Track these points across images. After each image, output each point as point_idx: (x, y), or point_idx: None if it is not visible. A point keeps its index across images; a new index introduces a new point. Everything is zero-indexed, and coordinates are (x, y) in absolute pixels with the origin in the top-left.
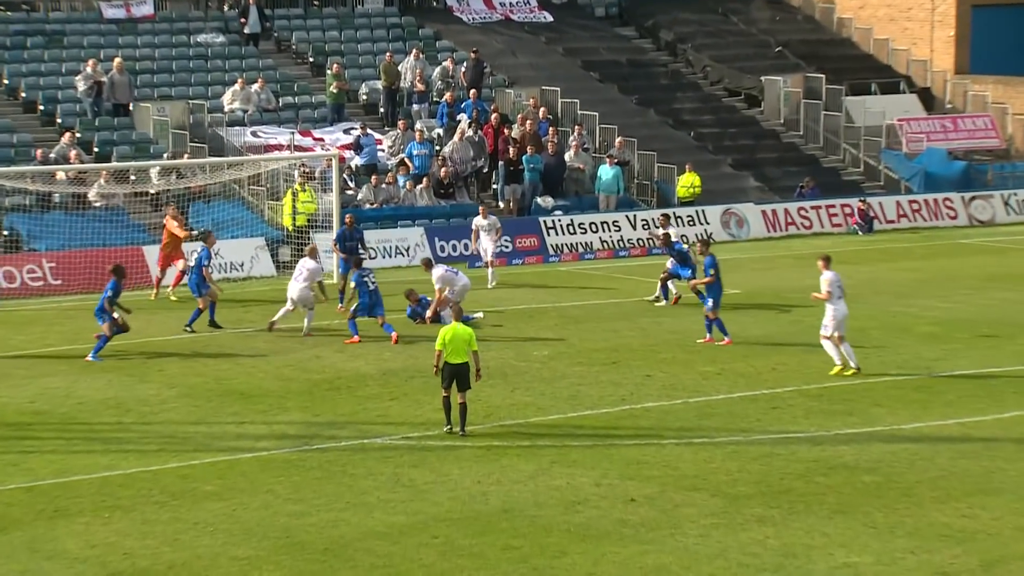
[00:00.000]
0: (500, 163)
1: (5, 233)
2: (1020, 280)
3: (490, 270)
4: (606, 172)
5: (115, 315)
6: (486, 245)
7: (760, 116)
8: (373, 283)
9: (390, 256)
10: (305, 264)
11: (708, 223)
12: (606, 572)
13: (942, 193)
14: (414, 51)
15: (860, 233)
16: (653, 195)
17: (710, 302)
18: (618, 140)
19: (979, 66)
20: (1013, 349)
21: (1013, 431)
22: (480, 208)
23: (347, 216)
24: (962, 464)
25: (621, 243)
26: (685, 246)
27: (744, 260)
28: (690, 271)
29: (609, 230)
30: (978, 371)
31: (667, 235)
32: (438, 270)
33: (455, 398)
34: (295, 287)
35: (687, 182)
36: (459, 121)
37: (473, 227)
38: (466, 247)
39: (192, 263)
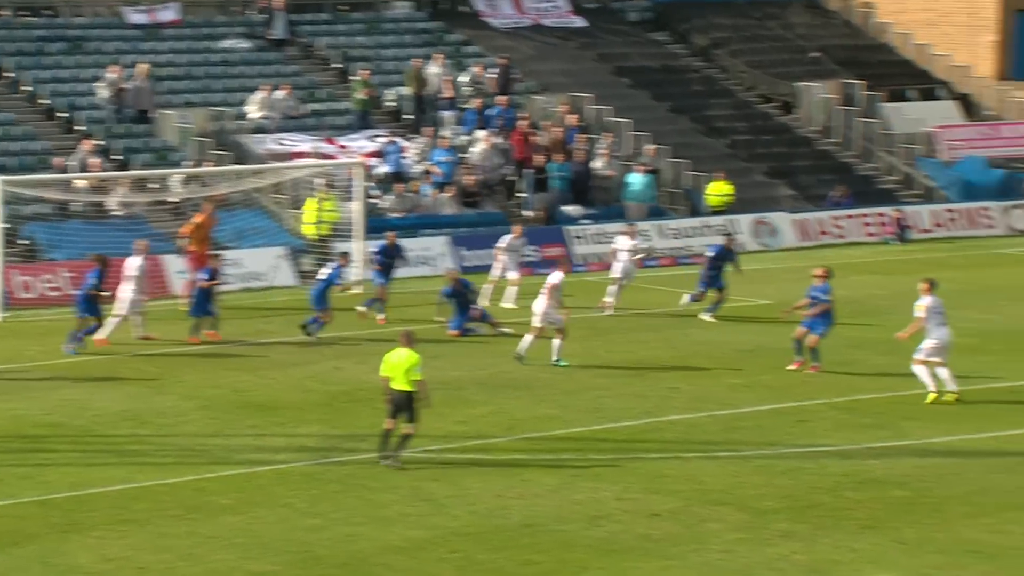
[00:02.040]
0: (527, 171)
1: (23, 242)
2: None
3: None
4: (636, 180)
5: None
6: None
7: (795, 123)
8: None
9: (414, 266)
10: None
11: (739, 232)
12: None
13: (980, 202)
14: (442, 57)
15: (895, 243)
16: (684, 204)
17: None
18: (649, 147)
19: (1022, 72)
20: None
21: None
22: (515, 228)
23: (389, 233)
24: (994, 479)
25: (651, 252)
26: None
27: (775, 270)
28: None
29: (637, 239)
30: (1014, 384)
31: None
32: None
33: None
34: None
35: (717, 190)
36: (487, 128)
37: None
38: (492, 256)
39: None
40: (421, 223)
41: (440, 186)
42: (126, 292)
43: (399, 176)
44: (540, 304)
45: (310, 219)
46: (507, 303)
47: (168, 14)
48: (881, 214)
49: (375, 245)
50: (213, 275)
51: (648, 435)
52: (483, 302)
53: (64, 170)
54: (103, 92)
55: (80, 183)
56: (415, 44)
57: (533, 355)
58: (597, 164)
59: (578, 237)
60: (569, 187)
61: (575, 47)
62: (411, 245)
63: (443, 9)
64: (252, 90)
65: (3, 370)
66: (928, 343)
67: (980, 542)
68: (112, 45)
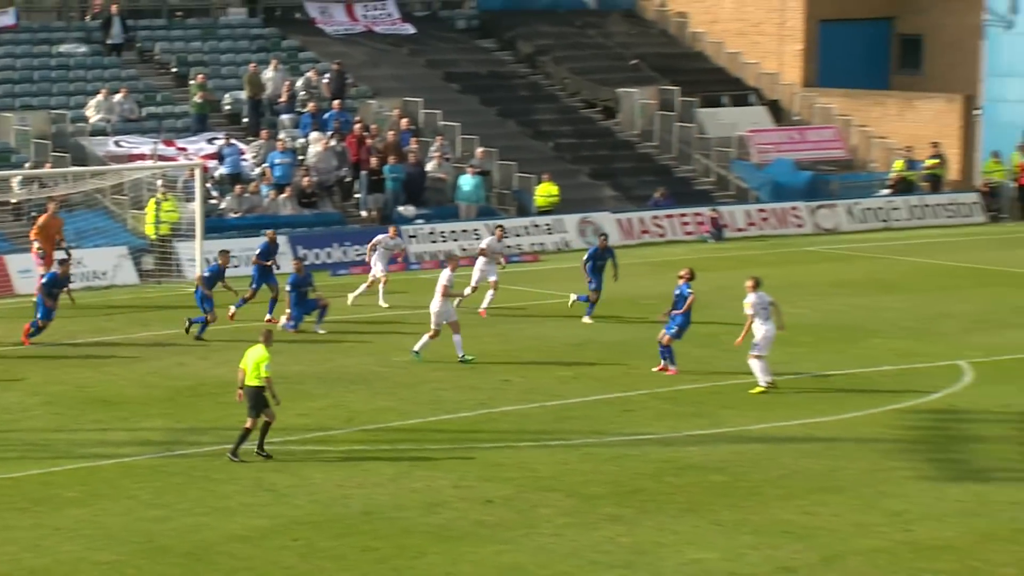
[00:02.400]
0: (363, 172)
1: None
2: (862, 286)
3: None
4: (467, 182)
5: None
6: (484, 268)
7: (616, 127)
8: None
9: (250, 264)
10: None
11: (565, 231)
12: (464, 572)
13: (789, 202)
14: (276, 62)
15: (711, 241)
16: (513, 204)
17: (675, 329)
18: (479, 150)
19: (826, 79)
20: (855, 352)
21: (853, 431)
22: (497, 230)
23: (268, 231)
24: (804, 463)
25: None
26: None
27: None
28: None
29: (469, 238)
30: (821, 373)
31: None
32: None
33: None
34: None
35: (545, 191)
36: (322, 131)
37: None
38: (329, 255)
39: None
40: (260, 223)
41: (278, 187)
42: None
43: (238, 177)
44: (435, 304)
45: (150, 219)
46: (382, 302)
47: (5, 19)
48: (698, 214)
49: (258, 244)
50: (55, 278)
51: (482, 425)
52: (351, 298)
53: None
54: None
55: None
56: (251, 50)
57: (369, 351)
58: (430, 166)
59: (412, 236)
60: (403, 188)
61: (406, 53)
62: (251, 245)
63: (277, 16)
64: (91, 94)
65: None
66: (759, 337)
67: (792, 522)
68: None
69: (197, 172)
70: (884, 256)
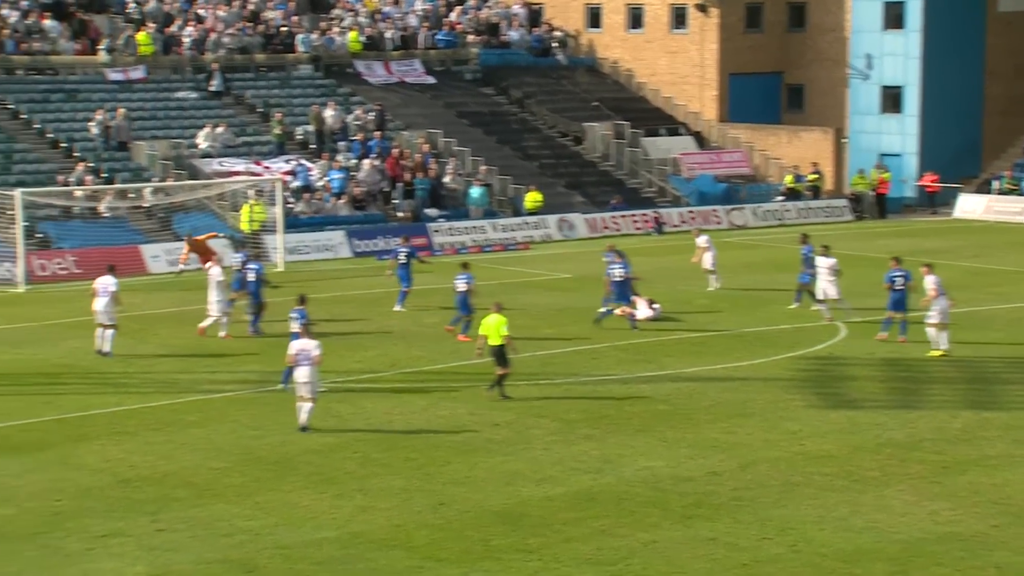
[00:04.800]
0: (398, 184)
1: (39, 235)
2: (765, 267)
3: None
4: (475, 191)
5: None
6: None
7: (583, 151)
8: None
9: (318, 252)
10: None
11: (548, 227)
12: (478, 475)
13: (711, 206)
14: (334, 104)
15: (654, 234)
16: (509, 207)
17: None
18: (483, 168)
19: (735, 116)
20: (760, 315)
21: (761, 373)
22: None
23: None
24: (725, 396)
25: (487, 241)
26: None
27: (574, 254)
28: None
29: (477, 232)
30: (737, 330)
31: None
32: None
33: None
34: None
35: (532, 198)
36: (368, 154)
37: (699, 244)
38: (375, 244)
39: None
40: (324, 222)
41: (336, 195)
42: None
43: (307, 188)
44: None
45: (245, 219)
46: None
47: (138, 73)
48: (644, 214)
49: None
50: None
51: (490, 369)
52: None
53: (66, 184)
54: (93, 129)
55: (78, 193)
56: (315, 95)
57: (406, 315)
58: (447, 179)
59: (436, 231)
60: (428, 195)
61: (429, 98)
62: (317, 237)
63: (334, 70)
64: (199, 127)
65: (28, 327)
66: (937, 310)
67: (718, 440)
68: (98, 95)
69: (278, 184)
70: (780, 245)
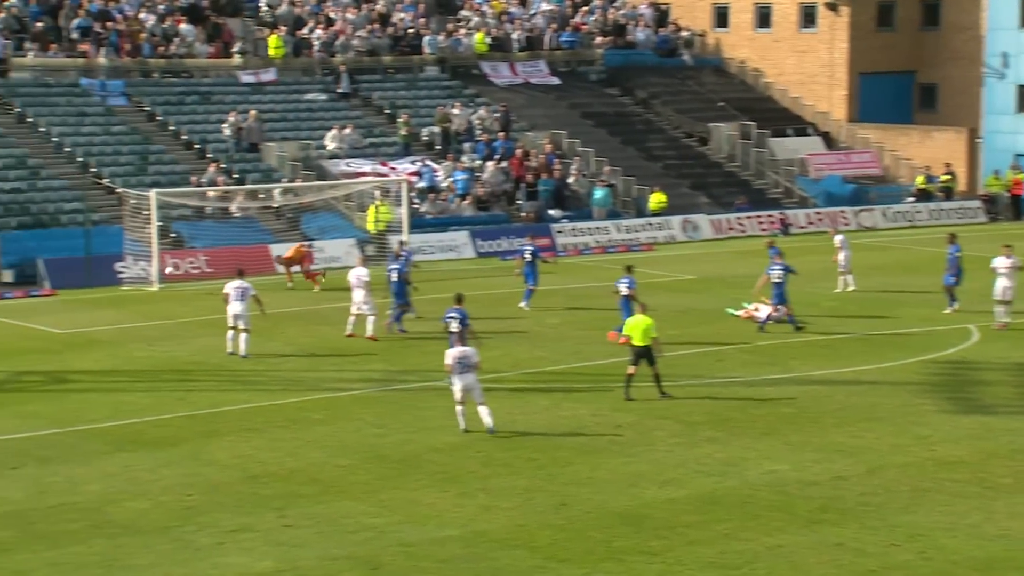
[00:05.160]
0: (522, 185)
1: (172, 235)
2: (895, 269)
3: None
4: (599, 192)
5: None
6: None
7: (709, 152)
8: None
9: (442, 252)
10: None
11: (672, 228)
12: (600, 476)
13: (838, 207)
14: (460, 104)
15: (780, 235)
16: (632, 208)
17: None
18: (607, 169)
19: (864, 116)
20: (889, 318)
21: (890, 376)
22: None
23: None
24: (853, 400)
25: (610, 242)
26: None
27: (698, 255)
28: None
29: (600, 233)
30: (865, 333)
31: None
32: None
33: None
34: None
35: (657, 199)
36: (493, 155)
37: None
38: (499, 245)
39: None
40: (449, 222)
41: (461, 196)
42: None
43: (432, 189)
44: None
45: (371, 219)
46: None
47: (269, 75)
48: (770, 215)
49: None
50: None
51: (612, 370)
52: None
53: (199, 185)
54: (225, 130)
55: (210, 194)
56: (441, 96)
57: (529, 316)
58: (570, 180)
59: (559, 231)
60: (551, 196)
61: (553, 99)
62: (441, 238)
63: (460, 72)
64: (327, 129)
65: (162, 324)
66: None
67: (844, 444)
68: (230, 97)
69: (403, 185)
70: (910, 247)
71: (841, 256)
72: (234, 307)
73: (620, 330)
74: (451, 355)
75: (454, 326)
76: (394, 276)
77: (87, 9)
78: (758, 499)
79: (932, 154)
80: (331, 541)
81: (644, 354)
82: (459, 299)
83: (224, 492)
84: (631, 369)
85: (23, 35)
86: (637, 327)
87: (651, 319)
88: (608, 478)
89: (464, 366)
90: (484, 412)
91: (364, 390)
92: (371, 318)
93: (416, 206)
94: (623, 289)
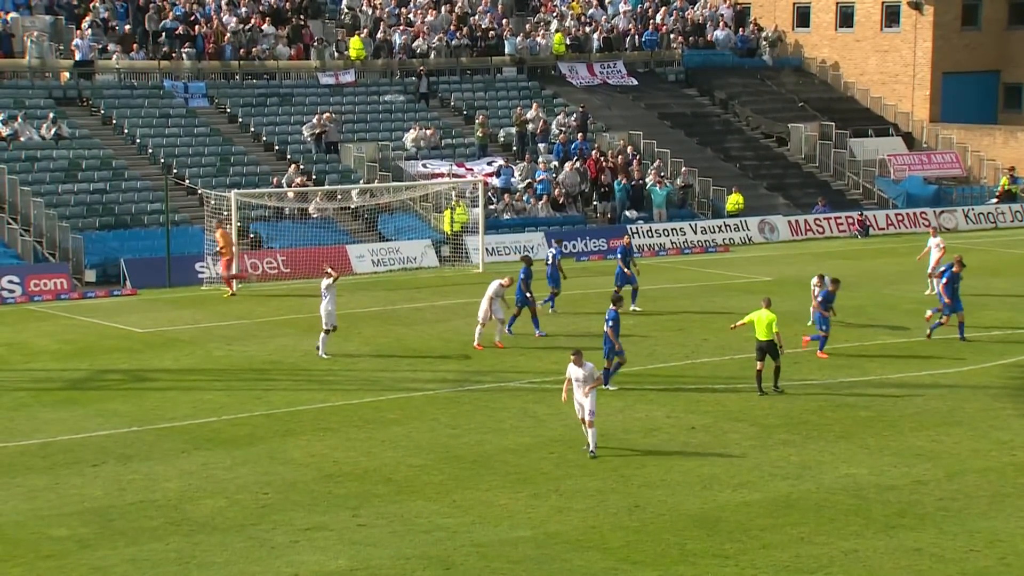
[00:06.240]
0: (598, 186)
1: (251, 235)
2: (976, 271)
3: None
4: (658, 192)
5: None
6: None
7: (787, 152)
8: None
9: (518, 253)
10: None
11: (749, 230)
12: (674, 479)
13: (919, 208)
14: (537, 106)
15: (860, 237)
16: (709, 209)
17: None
18: (683, 170)
19: (947, 116)
20: (970, 321)
21: (970, 380)
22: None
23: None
24: (932, 403)
25: (686, 244)
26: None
27: (775, 256)
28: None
29: (676, 234)
30: (943, 337)
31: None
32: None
33: (769, 367)
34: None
35: (734, 200)
36: (570, 156)
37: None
38: (575, 246)
39: None
40: (525, 223)
41: (537, 197)
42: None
43: (508, 190)
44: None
45: (447, 220)
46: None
47: (348, 77)
48: (850, 217)
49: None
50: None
51: (686, 372)
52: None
53: (278, 186)
54: (305, 132)
55: (289, 194)
56: (518, 97)
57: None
58: (647, 181)
59: (635, 232)
60: (627, 197)
61: (631, 99)
62: (517, 238)
63: (538, 72)
64: (406, 130)
65: (240, 324)
66: None
67: (923, 448)
68: (310, 99)
69: (480, 186)
70: (992, 249)
71: (933, 257)
72: (323, 305)
73: (816, 338)
74: (571, 372)
75: (607, 326)
76: (550, 260)
77: (172, 12)
78: (834, 503)
79: (1017, 155)
80: (404, 541)
81: (768, 349)
82: (616, 300)
83: (299, 491)
84: (758, 365)
85: (108, 37)
86: (761, 322)
87: (774, 315)
88: (681, 480)
89: (579, 382)
90: (590, 433)
91: (439, 390)
92: (500, 326)
93: (492, 207)
94: (818, 293)
